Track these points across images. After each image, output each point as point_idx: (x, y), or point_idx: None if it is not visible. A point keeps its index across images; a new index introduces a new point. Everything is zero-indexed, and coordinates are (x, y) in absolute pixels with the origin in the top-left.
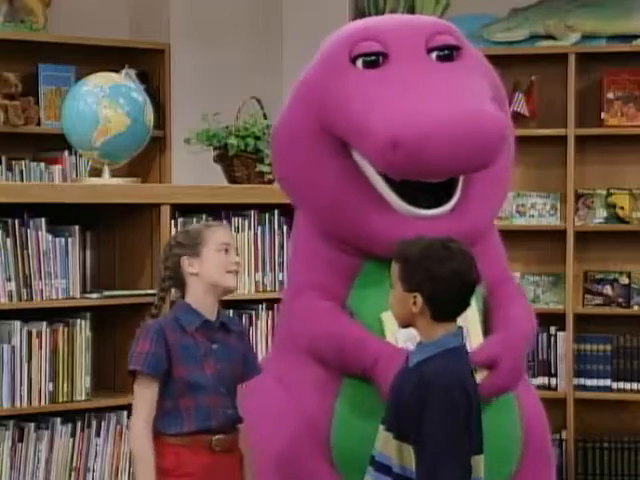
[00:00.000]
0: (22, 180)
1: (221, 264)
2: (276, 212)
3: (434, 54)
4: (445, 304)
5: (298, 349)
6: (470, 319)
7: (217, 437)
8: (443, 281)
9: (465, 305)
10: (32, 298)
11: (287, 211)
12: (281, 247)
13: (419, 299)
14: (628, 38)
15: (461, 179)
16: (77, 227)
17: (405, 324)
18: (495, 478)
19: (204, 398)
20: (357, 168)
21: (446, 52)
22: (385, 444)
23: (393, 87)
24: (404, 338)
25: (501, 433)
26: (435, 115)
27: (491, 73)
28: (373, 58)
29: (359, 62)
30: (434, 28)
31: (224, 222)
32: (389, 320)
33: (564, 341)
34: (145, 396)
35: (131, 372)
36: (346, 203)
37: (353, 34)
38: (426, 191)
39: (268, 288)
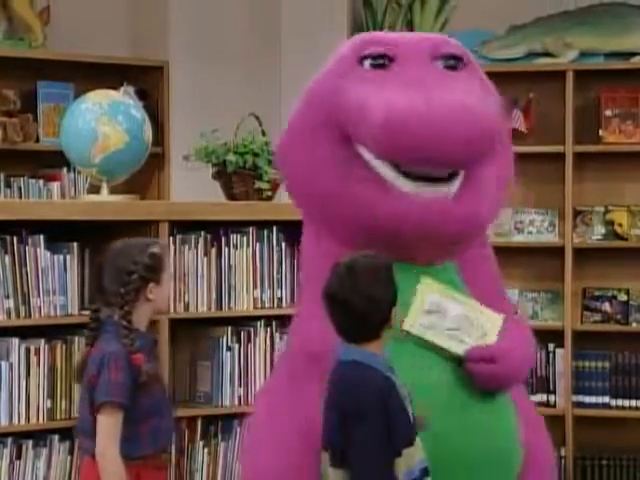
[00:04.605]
0: (21, 197)
1: (169, 291)
2: (274, 229)
3: (439, 62)
4: None
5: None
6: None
7: (166, 455)
8: None
9: None
10: (30, 315)
11: (286, 228)
12: (279, 264)
13: None
14: (626, 55)
15: (462, 174)
16: (75, 244)
17: None
18: None
19: (162, 419)
20: (360, 159)
21: (451, 62)
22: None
23: (393, 81)
24: (436, 308)
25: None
26: (423, 103)
27: (493, 89)
28: (380, 61)
29: (366, 63)
30: (441, 39)
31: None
32: (426, 286)
33: (563, 358)
34: (117, 424)
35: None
36: (350, 191)
37: (363, 39)
38: (429, 181)
39: (267, 305)
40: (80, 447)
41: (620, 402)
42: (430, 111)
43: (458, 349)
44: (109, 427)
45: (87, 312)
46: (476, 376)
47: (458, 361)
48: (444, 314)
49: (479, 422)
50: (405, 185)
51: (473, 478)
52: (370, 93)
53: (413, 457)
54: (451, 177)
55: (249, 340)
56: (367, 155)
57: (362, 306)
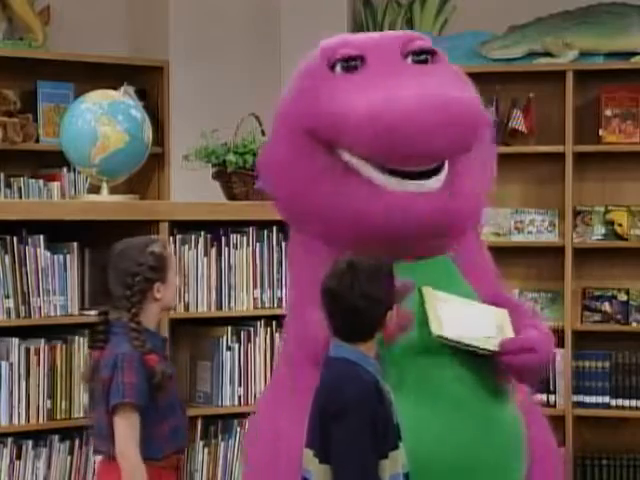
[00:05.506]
0: (21, 197)
1: (176, 288)
2: (274, 229)
3: (410, 58)
4: None
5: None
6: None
7: (181, 456)
8: None
9: None
10: (30, 315)
11: (285, 228)
12: (279, 264)
13: None
14: (625, 55)
15: (447, 164)
16: (75, 244)
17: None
18: None
19: (178, 418)
20: (342, 164)
21: (422, 57)
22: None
23: (369, 82)
24: (449, 315)
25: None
26: (410, 96)
27: (468, 81)
28: (351, 63)
29: (338, 67)
30: (408, 35)
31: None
32: (429, 294)
33: (563, 358)
34: (134, 424)
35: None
36: (341, 197)
37: (330, 44)
38: (415, 177)
39: (267, 305)
40: (96, 449)
41: (620, 402)
42: (413, 105)
43: (489, 345)
44: (126, 428)
45: (88, 312)
46: (517, 367)
47: (482, 357)
48: (459, 316)
49: (494, 418)
50: (391, 183)
51: (490, 474)
52: (350, 95)
53: (399, 461)
54: (436, 171)
55: (249, 340)
56: (351, 158)
57: (358, 304)
